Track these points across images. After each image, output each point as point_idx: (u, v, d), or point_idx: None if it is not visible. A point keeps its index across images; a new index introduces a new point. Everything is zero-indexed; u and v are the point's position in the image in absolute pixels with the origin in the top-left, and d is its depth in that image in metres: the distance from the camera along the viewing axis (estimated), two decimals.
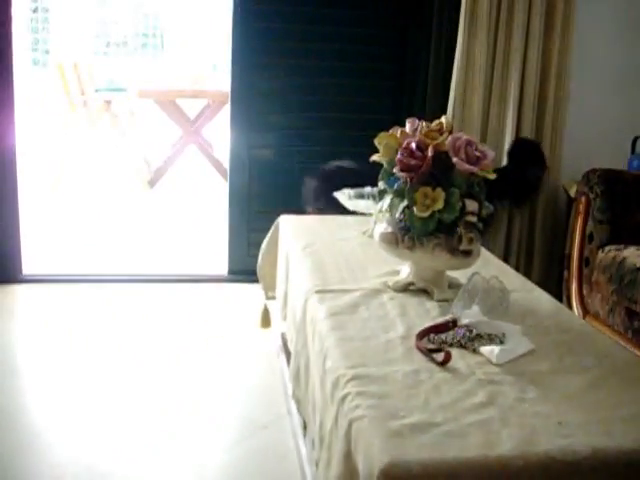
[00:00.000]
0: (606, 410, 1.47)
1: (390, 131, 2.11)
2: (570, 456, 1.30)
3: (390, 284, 2.13)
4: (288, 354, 2.50)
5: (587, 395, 1.53)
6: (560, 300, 2.86)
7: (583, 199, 3.21)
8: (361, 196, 2.75)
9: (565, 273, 3.28)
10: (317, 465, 1.68)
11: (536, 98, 3.74)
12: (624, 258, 2.89)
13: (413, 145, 2.00)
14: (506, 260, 3.61)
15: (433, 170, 1.98)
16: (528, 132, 3.74)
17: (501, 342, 1.70)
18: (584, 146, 3.88)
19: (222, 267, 4.02)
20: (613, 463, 1.32)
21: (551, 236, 3.92)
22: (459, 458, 1.27)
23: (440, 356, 1.64)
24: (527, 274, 3.73)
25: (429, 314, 1.94)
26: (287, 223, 2.86)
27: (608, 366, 1.68)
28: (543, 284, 2.49)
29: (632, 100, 3.93)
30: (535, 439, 1.33)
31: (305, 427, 2.08)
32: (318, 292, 2.10)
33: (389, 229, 2.07)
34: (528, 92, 3.71)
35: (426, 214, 1.96)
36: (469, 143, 2.00)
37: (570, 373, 1.63)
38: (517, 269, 3.58)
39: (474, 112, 3.69)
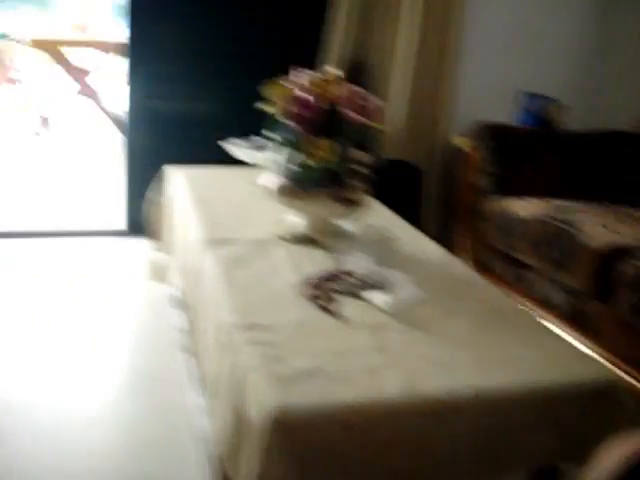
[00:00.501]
0: (488, 352, 1.52)
1: (281, 81, 2.09)
2: (453, 397, 1.34)
3: (281, 234, 2.13)
4: (182, 306, 2.48)
5: (471, 339, 1.58)
6: (451, 251, 2.93)
7: (473, 153, 3.28)
8: (251, 146, 2.73)
9: (455, 225, 3.35)
10: (210, 415, 1.68)
11: (425, 52, 3.75)
12: (510, 209, 2.98)
13: (305, 96, 1.99)
14: (399, 213, 3.66)
15: (324, 121, 1.98)
16: (418, 87, 3.76)
17: (390, 290, 1.72)
18: (474, 100, 3.94)
19: (121, 221, 3.94)
20: (495, 402, 1.37)
21: (443, 189, 3.99)
22: (347, 402, 1.29)
23: (330, 304, 1.65)
24: (421, 227, 3.79)
25: (319, 263, 1.95)
26: (176, 174, 2.81)
27: (491, 311, 1.74)
28: (436, 236, 2.54)
29: (519, 55, 4.01)
30: (420, 382, 1.37)
31: (200, 379, 2.08)
32: (209, 243, 2.08)
33: (280, 179, 2.07)
34: (416, 46, 3.71)
35: (317, 164, 1.96)
36: (359, 95, 2.01)
37: (456, 319, 1.67)
38: (411, 222, 3.64)
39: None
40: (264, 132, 2.15)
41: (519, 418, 1.41)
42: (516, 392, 1.40)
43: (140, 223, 3.72)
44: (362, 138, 2.03)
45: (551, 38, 3.99)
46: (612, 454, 0.74)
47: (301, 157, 1.98)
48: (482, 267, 3.17)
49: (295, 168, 2.01)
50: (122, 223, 3.93)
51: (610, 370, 1.61)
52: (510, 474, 1.49)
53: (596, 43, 4.02)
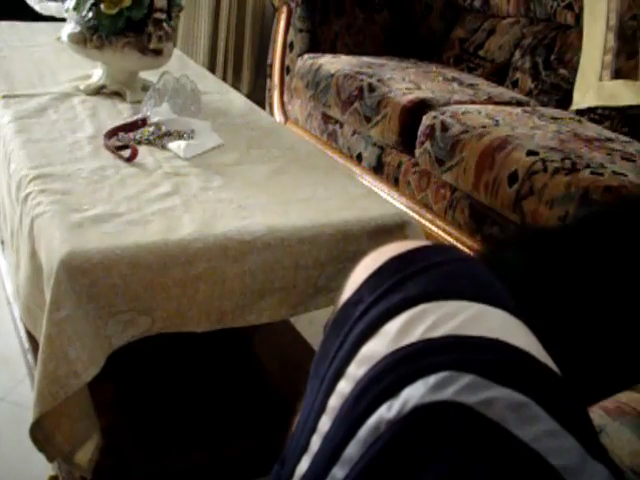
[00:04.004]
0: (285, 194, 1.56)
1: None
2: (247, 235, 1.37)
3: (82, 87, 2.05)
4: None
5: (269, 182, 1.61)
6: (264, 108, 2.93)
7: (284, 8, 3.24)
8: None
9: (268, 82, 3.34)
10: (12, 273, 1.65)
11: None
12: (320, 65, 3.00)
13: None
14: (213, 72, 3.61)
15: None
16: None
17: (190, 138, 1.71)
18: None
19: None
20: (287, 239, 1.41)
21: (259, 47, 3.96)
22: (139, 243, 1.29)
23: (127, 153, 1.63)
24: (236, 85, 3.76)
25: (121, 115, 1.91)
26: None
27: (291, 157, 1.77)
28: (252, 95, 2.51)
29: None
30: (215, 222, 1.38)
31: (3, 242, 2.02)
32: (4, 98, 1.97)
33: (77, 29, 1.97)
34: None
35: (114, 11, 1.88)
36: None
37: (255, 164, 1.69)
38: (225, 80, 3.60)
39: None
40: None
41: (313, 255, 1.46)
42: (309, 229, 1.44)
43: None
44: None
45: None
46: (362, 266, 0.75)
47: (96, 3, 1.88)
48: (292, 123, 3.21)
49: (89, 16, 1.91)
50: None
51: (401, 210, 1.69)
52: (314, 309, 1.55)
53: None
